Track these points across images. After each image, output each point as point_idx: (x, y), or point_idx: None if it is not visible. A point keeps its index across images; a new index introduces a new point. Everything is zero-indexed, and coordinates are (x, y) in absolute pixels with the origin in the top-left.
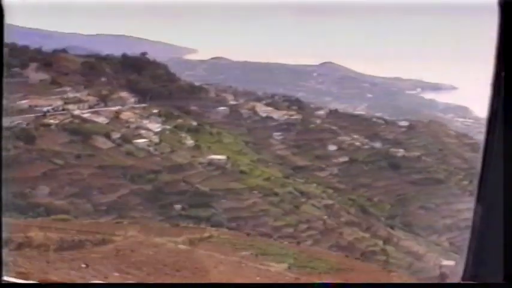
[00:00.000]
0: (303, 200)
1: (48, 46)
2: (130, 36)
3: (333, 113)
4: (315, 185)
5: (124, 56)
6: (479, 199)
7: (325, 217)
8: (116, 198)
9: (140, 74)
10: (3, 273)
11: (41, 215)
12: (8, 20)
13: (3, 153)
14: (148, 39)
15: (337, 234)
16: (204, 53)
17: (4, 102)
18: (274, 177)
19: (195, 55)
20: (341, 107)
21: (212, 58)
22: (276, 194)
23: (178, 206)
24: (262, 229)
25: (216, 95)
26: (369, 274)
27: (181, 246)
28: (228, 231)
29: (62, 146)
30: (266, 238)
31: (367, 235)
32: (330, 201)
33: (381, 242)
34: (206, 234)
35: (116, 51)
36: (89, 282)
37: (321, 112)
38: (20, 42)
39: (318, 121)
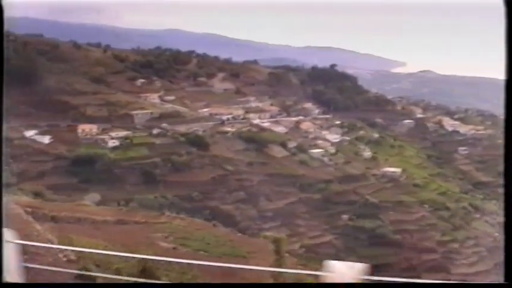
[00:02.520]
0: (477, 216)
1: (258, 57)
2: (340, 48)
3: None
4: (494, 201)
5: (313, 67)
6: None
7: (497, 234)
8: (282, 206)
9: (327, 86)
10: (3, 273)
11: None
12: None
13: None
14: (359, 52)
15: None
16: (412, 66)
17: (183, 110)
18: (450, 192)
19: (404, 68)
20: None
21: (419, 71)
22: (448, 209)
23: (345, 216)
24: (427, 243)
25: (403, 108)
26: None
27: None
28: (193, 220)
29: (235, 153)
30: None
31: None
32: None
33: None
34: (162, 220)
35: (322, 63)
36: (89, 282)
37: None
38: (233, 53)
39: None
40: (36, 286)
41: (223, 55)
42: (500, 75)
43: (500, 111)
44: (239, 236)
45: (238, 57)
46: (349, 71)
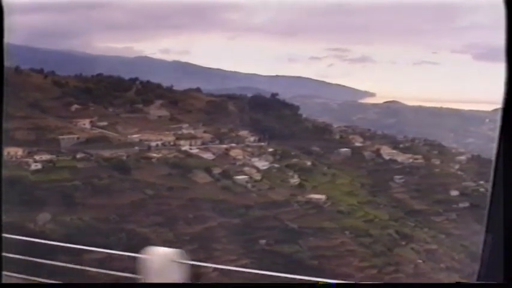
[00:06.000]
0: (403, 243)
1: (226, 86)
2: (309, 78)
3: (475, 158)
4: (426, 229)
5: (254, 96)
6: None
7: (420, 261)
8: (200, 230)
9: (266, 114)
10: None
11: (122, 241)
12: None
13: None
14: (330, 82)
15: (426, 279)
16: (381, 97)
17: (112, 135)
18: (378, 219)
19: (373, 99)
20: None
21: (385, 102)
22: (370, 236)
23: (263, 241)
24: (344, 269)
25: (341, 137)
26: None
27: None
28: None
29: (158, 178)
30: None
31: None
32: (435, 246)
33: None
34: None
35: (290, 92)
36: (88, 282)
37: (462, 157)
38: (202, 82)
39: (457, 166)
40: (36, 286)
41: (190, 84)
42: (467, 106)
43: (467, 140)
44: None
45: (205, 86)
46: (317, 101)
